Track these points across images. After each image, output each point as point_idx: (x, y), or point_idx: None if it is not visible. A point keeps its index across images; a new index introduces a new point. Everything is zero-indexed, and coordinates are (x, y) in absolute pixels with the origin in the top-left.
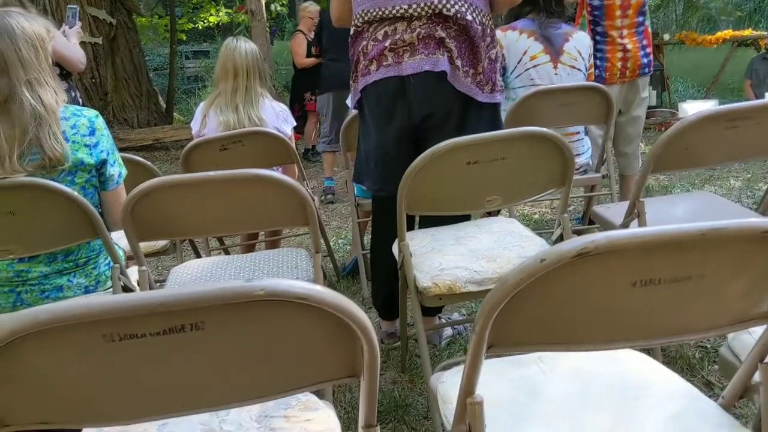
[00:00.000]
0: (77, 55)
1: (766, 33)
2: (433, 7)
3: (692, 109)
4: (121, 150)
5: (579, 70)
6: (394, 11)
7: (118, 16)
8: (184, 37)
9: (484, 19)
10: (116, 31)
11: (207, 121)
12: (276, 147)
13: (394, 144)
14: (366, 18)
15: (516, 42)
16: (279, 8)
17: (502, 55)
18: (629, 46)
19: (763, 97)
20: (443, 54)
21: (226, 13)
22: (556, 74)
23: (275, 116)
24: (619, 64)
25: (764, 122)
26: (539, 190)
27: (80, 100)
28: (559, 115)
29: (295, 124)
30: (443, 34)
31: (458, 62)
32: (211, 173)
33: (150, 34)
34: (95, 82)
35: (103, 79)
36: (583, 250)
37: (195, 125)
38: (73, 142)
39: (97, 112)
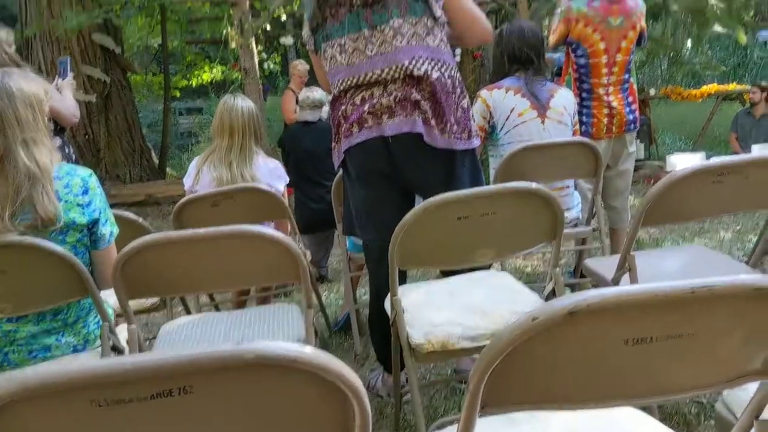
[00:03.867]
0: (71, 109)
1: (750, 87)
2: (403, 69)
3: (680, 161)
4: (113, 206)
5: (565, 125)
6: (368, 78)
7: (112, 74)
8: (178, 94)
9: (452, 72)
10: (110, 88)
11: (200, 176)
12: (268, 202)
13: (383, 196)
14: (342, 87)
15: (503, 100)
16: (272, 66)
17: (489, 113)
18: (615, 104)
19: (749, 150)
20: (419, 116)
21: (220, 70)
22: (544, 129)
23: (268, 173)
24: (605, 120)
25: (752, 176)
26: (530, 244)
27: (73, 156)
28: (548, 169)
29: (288, 180)
30: (418, 96)
31: (433, 121)
32: (202, 230)
33: (144, 92)
34: (88, 138)
35: (96, 136)
36: (574, 308)
37: (188, 180)
38: (66, 201)
39: (90, 171)
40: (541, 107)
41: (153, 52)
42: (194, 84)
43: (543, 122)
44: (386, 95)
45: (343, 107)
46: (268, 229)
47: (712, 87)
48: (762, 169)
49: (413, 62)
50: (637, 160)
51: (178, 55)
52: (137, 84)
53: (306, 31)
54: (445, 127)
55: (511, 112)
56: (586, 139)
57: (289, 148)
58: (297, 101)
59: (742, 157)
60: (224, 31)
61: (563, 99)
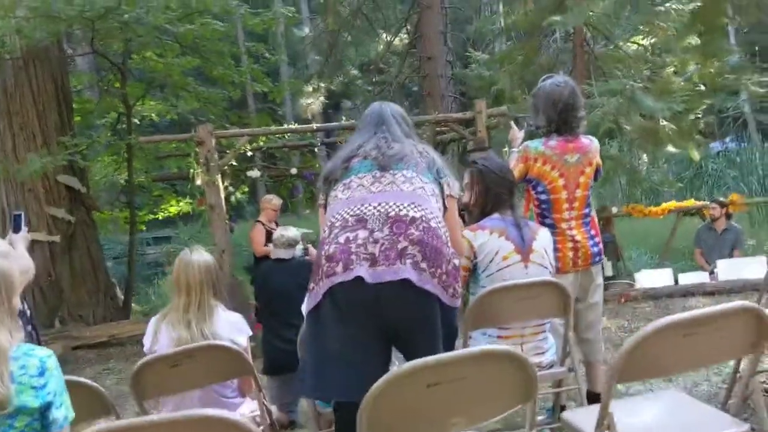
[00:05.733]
0: (24, 267)
1: (709, 203)
2: (401, 207)
3: (648, 278)
4: (75, 348)
5: (546, 267)
6: (362, 210)
7: (77, 213)
8: (144, 228)
9: (447, 234)
10: (75, 228)
11: (159, 336)
12: (230, 360)
13: (366, 342)
14: (329, 223)
15: (487, 242)
16: (239, 196)
17: (474, 254)
18: (578, 237)
19: (713, 264)
20: (404, 262)
21: (187, 204)
22: (527, 273)
23: (229, 328)
24: (570, 254)
25: (723, 327)
26: (504, 409)
27: (33, 320)
28: (518, 310)
29: (250, 333)
30: (405, 243)
31: (423, 264)
32: (156, 417)
33: (110, 227)
34: (51, 280)
35: (60, 277)
36: None
37: (147, 341)
38: (20, 383)
39: (50, 352)
40: (524, 251)
41: (119, 188)
42: (161, 218)
43: (526, 266)
44: (371, 242)
45: (326, 247)
46: (227, 415)
47: (671, 204)
48: (732, 319)
49: (413, 206)
50: (606, 278)
51: (144, 189)
52: (103, 219)
53: (320, 185)
54: (435, 272)
55: (496, 254)
56: (552, 279)
57: (261, 284)
58: (267, 235)
59: (711, 309)
60: (191, 170)
61: (544, 241)
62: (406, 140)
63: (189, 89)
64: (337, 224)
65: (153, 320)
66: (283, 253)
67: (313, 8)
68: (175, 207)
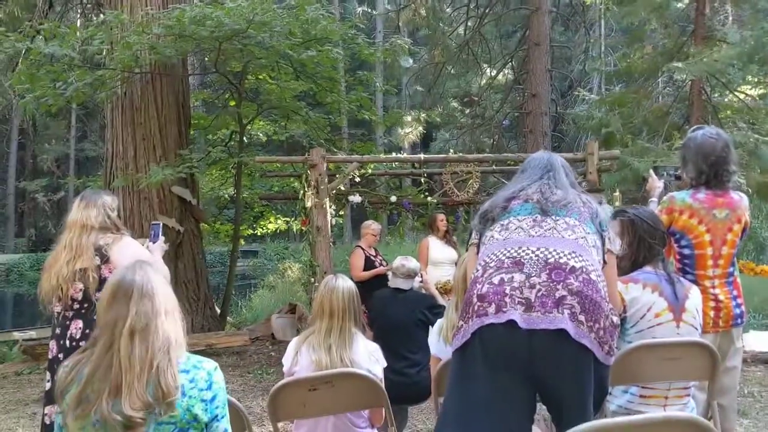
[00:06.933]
0: (166, 275)
1: None
2: (560, 254)
3: (757, 340)
4: None
5: (696, 329)
6: (518, 252)
7: (186, 224)
8: (243, 243)
9: (605, 287)
10: (183, 237)
11: (299, 358)
12: (366, 390)
13: (508, 389)
14: (483, 263)
15: (639, 297)
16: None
17: (623, 307)
18: (721, 297)
19: None
20: (562, 312)
21: (284, 221)
22: (678, 333)
23: (367, 357)
24: (711, 314)
25: None
26: None
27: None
28: (663, 370)
29: (385, 364)
30: (564, 293)
31: (582, 317)
32: None
33: (210, 238)
34: None
35: None
36: None
37: (287, 361)
38: (190, 396)
39: (215, 365)
40: (678, 309)
41: (223, 203)
42: (258, 234)
43: (678, 325)
44: (528, 286)
45: (479, 286)
46: None
47: None
48: None
49: (573, 255)
50: None
51: (248, 206)
52: (205, 231)
53: (474, 223)
54: (593, 327)
55: (648, 311)
56: (701, 340)
57: (377, 313)
58: (365, 260)
59: None
60: (300, 191)
61: (696, 300)
62: (570, 189)
63: (300, 113)
64: (491, 264)
65: (294, 341)
66: (402, 283)
67: (418, 40)
68: (273, 224)
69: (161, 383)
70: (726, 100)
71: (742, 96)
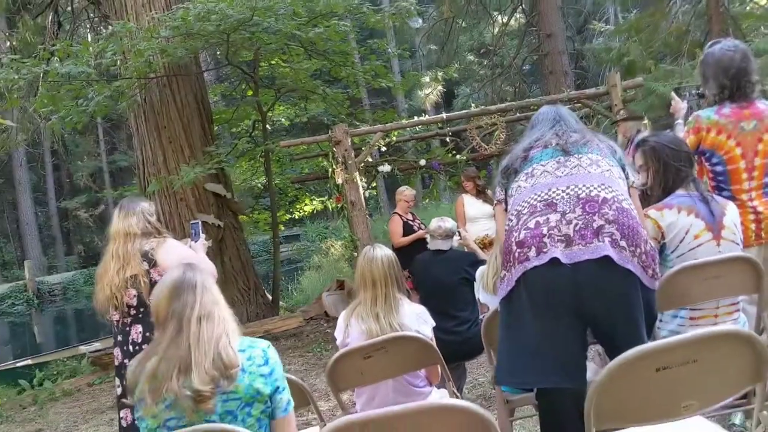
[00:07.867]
0: (210, 270)
1: None
2: (592, 188)
3: None
4: None
5: (737, 244)
6: (549, 194)
7: (224, 218)
8: (283, 228)
9: (637, 216)
10: (224, 232)
11: (349, 330)
12: (419, 350)
13: (558, 329)
14: (516, 211)
15: (676, 221)
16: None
17: (661, 234)
18: (761, 209)
19: None
20: (602, 240)
21: (320, 201)
22: (719, 251)
23: (415, 319)
24: (753, 227)
25: None
26: (735, 390)
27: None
28: (709, 289)
29: (434, 324)
30: (601, 222)
31: (623, 242)
32: (386, 411)
33: (250, 228)
34: None
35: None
36: None
37: (339, 334)
38: (250, 373)
39: (268, 343)
40: (716, 228)
41: (257, 192)
42: (297, 217)
43: (718, 243)
44: (564, 223)
45: (515, 233)
46: (475, 408)
47: None
48: None
49: (602, 186)
50: None
51: (281, 192)
52: (244, 222)
53: (498, 180)
54: (635, 251)
55: (686, 234)
56: (744, 254)
57: (420, 276)
58: (403, 226)
59: None
60: (329, 170)
61: (733, 215)
62: (585, 129)
63: (318, 92)
64: (524, 211)
65: (342, 314)
66: (441, 244)
67: None
68: (309, 206)
69: (223, 357)
70: (747, 9)
71: (763, 2)
